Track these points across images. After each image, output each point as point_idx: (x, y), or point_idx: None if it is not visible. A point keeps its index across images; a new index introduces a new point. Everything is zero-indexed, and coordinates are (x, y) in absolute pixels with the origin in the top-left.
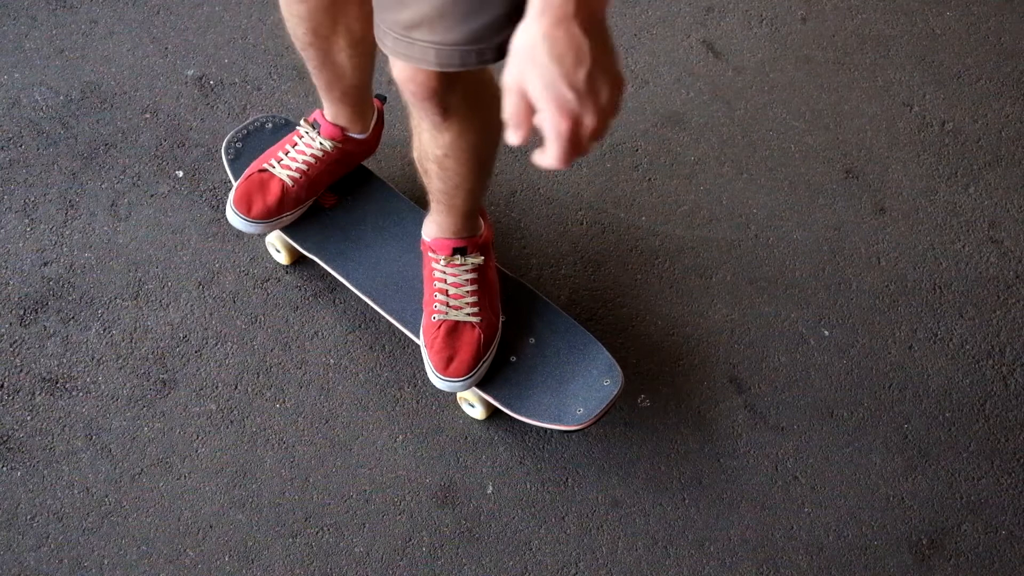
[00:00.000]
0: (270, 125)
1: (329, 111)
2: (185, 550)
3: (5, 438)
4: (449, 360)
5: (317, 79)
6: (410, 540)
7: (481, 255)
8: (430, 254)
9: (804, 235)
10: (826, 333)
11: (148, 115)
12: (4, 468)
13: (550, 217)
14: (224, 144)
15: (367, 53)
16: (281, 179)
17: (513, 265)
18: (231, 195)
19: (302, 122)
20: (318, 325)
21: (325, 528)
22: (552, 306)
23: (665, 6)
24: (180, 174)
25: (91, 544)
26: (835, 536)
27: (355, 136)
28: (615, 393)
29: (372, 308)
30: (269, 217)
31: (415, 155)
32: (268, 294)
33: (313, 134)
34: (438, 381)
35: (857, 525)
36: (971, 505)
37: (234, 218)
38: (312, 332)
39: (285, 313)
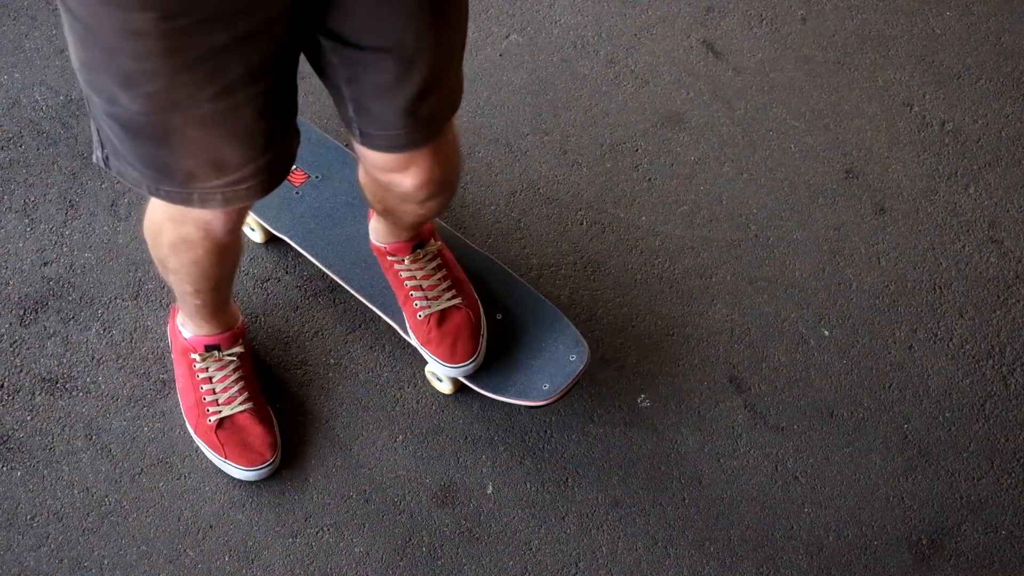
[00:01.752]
0: None
1: (212, 327)
2: (185, 550)
3: (5, 438)
4: (452, 348)
5: (202, 313)
6: (410, 540)
7: (436, 241)
8: (390, 257)
9: (804, 235)
10: (826, 333)
11: None
12: (4, 468)
13: (550, 217)
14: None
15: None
16: (244, 412)
17: (513, 265)
18: (223, 464)
19: (195, 356)
20: (318, 325)
21: (325, 528)
22: (519, 281)
23: (665, 6)
24: None
25: (91, 544)
26: (835, 536)
27: (241, 319)
28: (581, 368)
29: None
30: (275, 450)
31: (380, 208)
32: (268, 294)
33: (219, 354)
34: (449, 370)
35: (857, 525)
36: (971, 505)
37: (245, 474)
38: (312, 332)
39: (285, 313)
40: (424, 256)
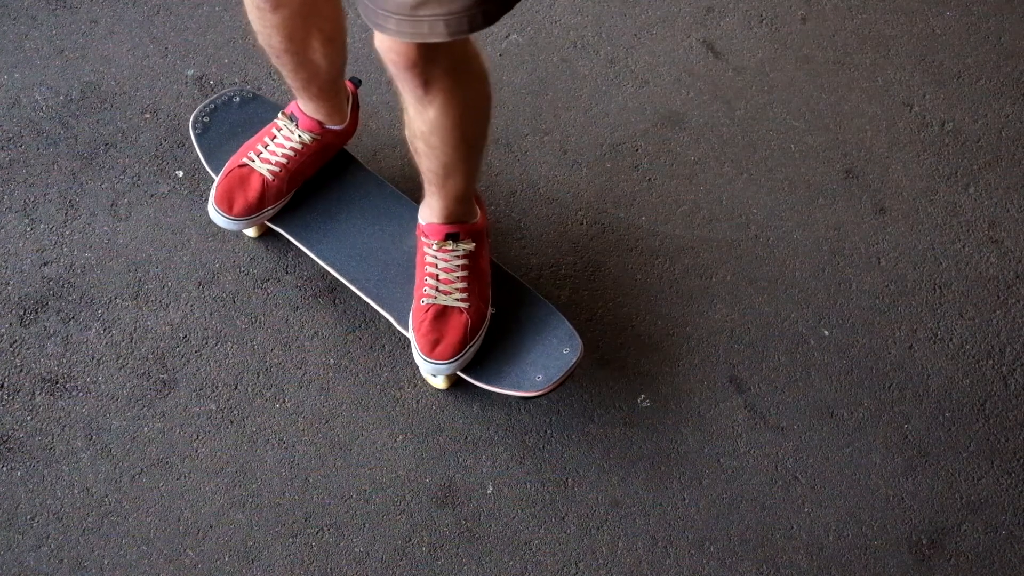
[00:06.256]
0: (238, 99)
1: (306, 107)
2: (185, 550)
3: (5, 438)
4: (435, 343)
5: (292, 80)
6: (410, 540)
7: (473, 242)
8: (423, 238)
9: (804, 235)
10: (826, 333)
11: (148, 115)
12: (4, 468)
13: (550, 217)
14: (191, 119)
15: (340, 47)
16: (261, 174)
17: (513, 265)
18: (212, 192)
19: (280, 115)
20: (318, 325)
21: (325, 528)
22: (514, 277)
23: (665, 6)
24: (180, 174)
25: (91, 544)
26: (835, 536)
27: (333, 128)
28: (574, 361)
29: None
30: (250, 213)
31: (406, 134)
32: (268, 294)
33: (291, 127)
34: (423, 363)
35: (857, 525)
36: (971, 505)
37: (216, 216)
38: (312, 332)
39: (285, 313)
40: (452, 250)
